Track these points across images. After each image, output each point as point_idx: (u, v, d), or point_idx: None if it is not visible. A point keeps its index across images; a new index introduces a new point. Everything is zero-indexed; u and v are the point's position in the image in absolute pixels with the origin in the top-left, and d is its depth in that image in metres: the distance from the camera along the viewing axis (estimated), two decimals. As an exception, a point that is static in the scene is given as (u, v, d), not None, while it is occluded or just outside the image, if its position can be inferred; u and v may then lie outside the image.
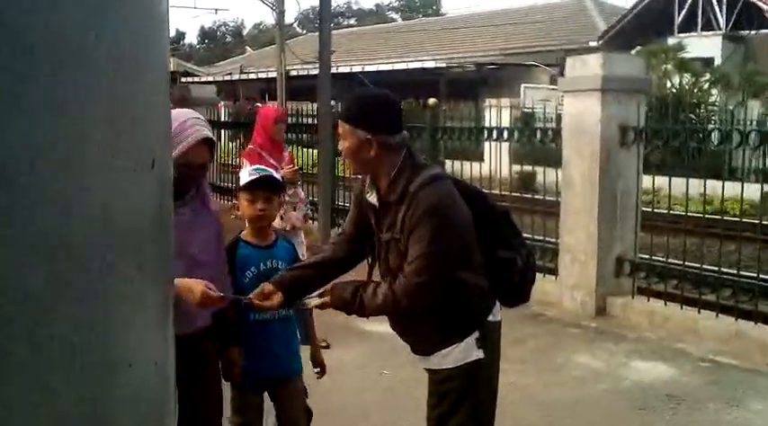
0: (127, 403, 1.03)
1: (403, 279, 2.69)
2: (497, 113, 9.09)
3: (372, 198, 2.86)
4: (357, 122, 2.75)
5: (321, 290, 2.99)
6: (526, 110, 17.39)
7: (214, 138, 2.89)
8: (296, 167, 5.96)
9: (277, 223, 5.48)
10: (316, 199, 9.63)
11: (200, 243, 2.84)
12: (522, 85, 20.33)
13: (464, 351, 2.78)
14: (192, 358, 2.74)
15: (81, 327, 0.93)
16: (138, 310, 1.04)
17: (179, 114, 2.76)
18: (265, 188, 3.27)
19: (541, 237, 7.74)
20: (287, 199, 5.52)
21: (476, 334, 2.79)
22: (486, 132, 8.29)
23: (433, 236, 2.65)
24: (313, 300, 2.99)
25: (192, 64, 38.00)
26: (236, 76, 33.45)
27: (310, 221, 6.41)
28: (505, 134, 8.04)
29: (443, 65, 26.12)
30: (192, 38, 71.10)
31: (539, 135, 7.78)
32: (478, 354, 2.79)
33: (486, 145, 9.02)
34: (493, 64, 26.70)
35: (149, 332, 1.10)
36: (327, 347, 5.43)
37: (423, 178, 2.71)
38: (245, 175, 3.33)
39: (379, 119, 2.77)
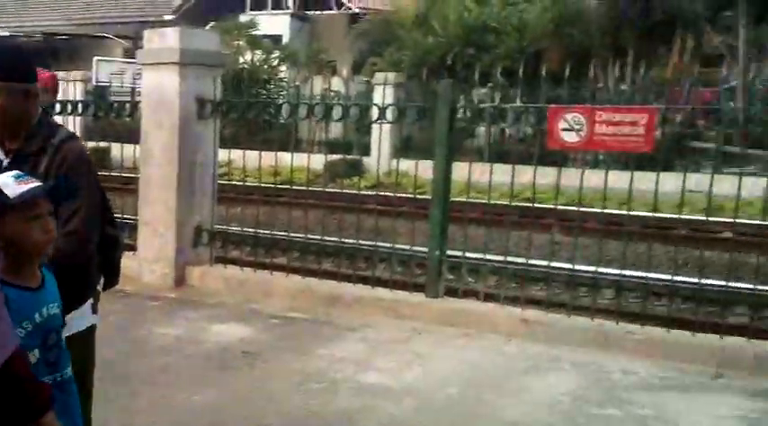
0: None
1: (73, 235, 2.58)
2: (70, 87, 8.75)
3: None
4: (9, 76, 2.56)
5: None
6: (102, 83, 16.88)
7: None
8: None
9: None
10: None
11: None
12: (95, 58, 19.61)
13: (85, 317, 2.79)
14: None
15: None
16: None
17: None
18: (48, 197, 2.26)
19: (119, 214, 7.67)
20: None
21: (91, 300, 2.83)
22: (59, 106, 7.92)
23: (87, 187, 2.66)
24: None
25: None
26: None
27: None
28: (80, 108, 7.79)
29: (6, 34, 24.14)
30: None
31: (115, 109, 7.67)
32: (95, 319, 2.87)
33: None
34: (63, 34, 25.34)
35: None
36: None
37: (65, 133, 2.72)
38: (10, 183, 2.13)
39: (29, 69, 2.66)
